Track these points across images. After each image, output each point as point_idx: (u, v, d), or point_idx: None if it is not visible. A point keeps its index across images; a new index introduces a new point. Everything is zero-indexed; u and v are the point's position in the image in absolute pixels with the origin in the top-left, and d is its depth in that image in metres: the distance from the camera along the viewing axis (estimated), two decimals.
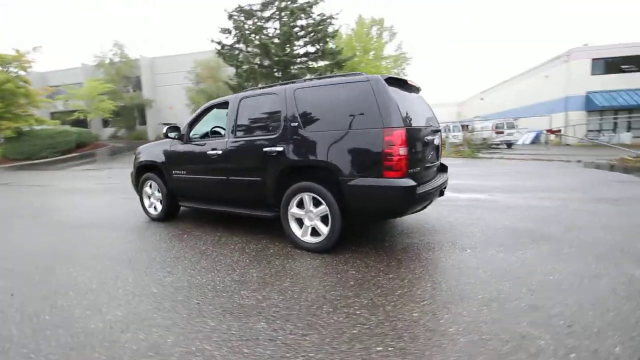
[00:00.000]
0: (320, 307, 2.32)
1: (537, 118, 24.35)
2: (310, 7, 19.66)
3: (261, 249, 3.52)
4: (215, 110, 4.47)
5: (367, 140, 3.00)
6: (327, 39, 20.62)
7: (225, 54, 20.60)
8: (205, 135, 4.71)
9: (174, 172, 4.50)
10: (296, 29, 20.14)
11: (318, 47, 20.85)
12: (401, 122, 2.92)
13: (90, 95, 25.34)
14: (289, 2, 19.17)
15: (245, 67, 20.55)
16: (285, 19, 20.63)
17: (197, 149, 4.29)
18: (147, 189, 4.95)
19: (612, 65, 23.04)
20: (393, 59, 28.48)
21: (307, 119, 3.36)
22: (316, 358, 1.81)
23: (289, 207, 3.49)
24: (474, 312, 2.19)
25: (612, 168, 9.27)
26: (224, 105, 4.37)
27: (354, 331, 2.03)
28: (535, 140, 21.68)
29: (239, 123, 3.90)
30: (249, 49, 20.30)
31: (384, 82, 3.08)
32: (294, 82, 3.72)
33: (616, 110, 22.52)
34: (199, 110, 4.45)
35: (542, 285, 2.53)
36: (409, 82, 3.57)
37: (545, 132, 21.13)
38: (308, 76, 22.13)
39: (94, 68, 29.47)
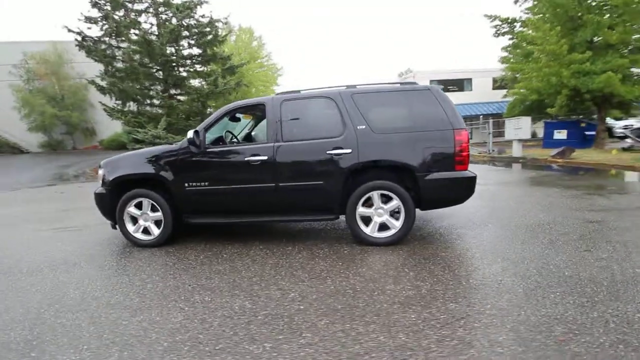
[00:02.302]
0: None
1: None
2: (195, 6, 18.47)
3: (337, 252, 3.50)
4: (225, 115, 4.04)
5: (440, 140, 3.48)
6: (216, 43, 19.77)
7: (89, 47, 17.16)
8: (216, 142, 4.19)
9: (187, 184, 3.82)
10: (181, 29, 18.56)
11: (207, 50, 19.80)
12: (464, 124, 3.54)
13: None
14: None
15: (119, 65, 17.70)
16: (164, 15, 18.77)
17: (226, 156, 3.80)
18: (132, 210, 3.97)
19: (443, 85, 30.32)
20: (270, 68, 29.43)
21: (375, 122, 3.58)
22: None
23: (357, 207, 3.61)
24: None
25: None
26: (251, 109, 4.06)
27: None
28: None
29: (284, 127, 3.72)
30: (124, 45, 17.50)
31: (441, 89, 3.64)
32: (338, 87, 3.82)
33: None
34: (217, 114, 3.93)
35: None
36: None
37: None
38: (197, 80, 20.65)
39: None
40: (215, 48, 20.52)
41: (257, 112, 4.65)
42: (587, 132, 15.10)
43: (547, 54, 12.29)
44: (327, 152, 3.57)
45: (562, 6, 12.31)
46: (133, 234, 4.01)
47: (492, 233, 3.90)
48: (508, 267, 2.92)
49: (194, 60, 20.65)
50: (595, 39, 12.63)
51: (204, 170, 3.82)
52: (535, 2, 13.78)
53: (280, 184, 3.66)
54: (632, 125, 16.73)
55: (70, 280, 3.12)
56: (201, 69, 21.20)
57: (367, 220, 3.66)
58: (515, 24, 14.47)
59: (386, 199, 3.60)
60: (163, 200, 3.88)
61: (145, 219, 3.98)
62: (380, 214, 3.62)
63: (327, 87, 3.86)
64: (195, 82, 20.79)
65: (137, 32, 17.82)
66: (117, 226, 4.07)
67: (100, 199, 4.08)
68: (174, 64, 19.73)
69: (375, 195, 3.59)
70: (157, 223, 3.98)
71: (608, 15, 11.85)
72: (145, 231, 4.01)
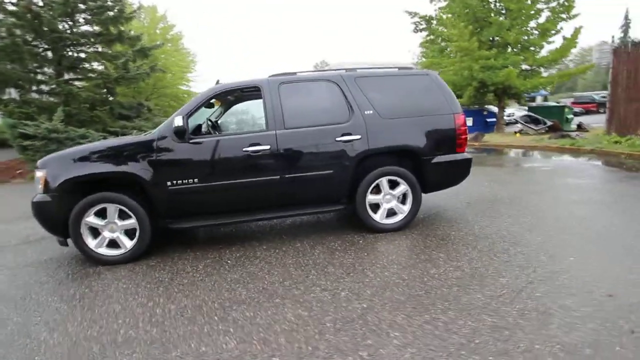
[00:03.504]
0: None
1: None
2: None
3: (353, 243, 3.33)
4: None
5: (443, 124, 3.56)
6: (121, 21, 17.21)
7: None
8: (197, 131, 3.59)
9: (171, 182, 3.18)
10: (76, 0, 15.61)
11: (111, 29, 17.11)
12: (461, 108, 3.68)
13: None
14: None
15: None
16: None
17: (218, 147, 3.26)
18: (91, 220, 3.16)
19: None
20: (185, 54, 26.87)
21: (381, 107, 3.47)
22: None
23: (367, 195, 3.50)
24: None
25: None
26: (241, 91, 3.57)
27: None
28: None
29: (286, 112, 3.35)
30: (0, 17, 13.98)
31: (438, 75, 3.72)
32: (337, 71, 3.61)
33: None
34: (202, 97, 3.33)
35: None
36: None
37: None
38: (100, 64, 17.80)
39: None
40: (120, 26, 17.82)
41: (248, 95, 4.11)
42: (487, 119, 17.58)
43: (461, 49, 13.82)
44: (336, 139, 3.35)
45: (471, 7, 13.93)
46: (95, 250, 3.19)
47: (470, 210, 4.19)
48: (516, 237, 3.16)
49: (94, 40, 17.63)
50: (496, 38, 14.65)
51: (192, 165, 3.22)
52: (447, 2, 15.29)
53: (286, 176, 3.31)
54: (513, 113, 20.13)
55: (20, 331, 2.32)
56: (105, 50, 18.24)
57: (374, 207, 3.58)
58: (432, 21, 15.86)
59: (392, 185, 3.56)
60: (137, 204, 3.16)
61: (112, 229, 3.20)
62: (388, 200, 3.57)
63: (323, 70, 3.60)
64: (100, 66, 17.82)
65: (16, 0, 14.34)
66: (69, 242, 3.20)
67: (41, 209, 3.13)
68: (68, 43, 16.60)
69: (384, 181, 3.51)
70: (129, 233, 3.25)
71: (508, 18, 13.83)
72: (113, 244, 3.23)
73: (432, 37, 16.42)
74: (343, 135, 3.36)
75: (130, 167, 3.12)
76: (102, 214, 3.19)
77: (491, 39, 14.60)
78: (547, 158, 8.53)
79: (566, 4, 13.77)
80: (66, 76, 16.38)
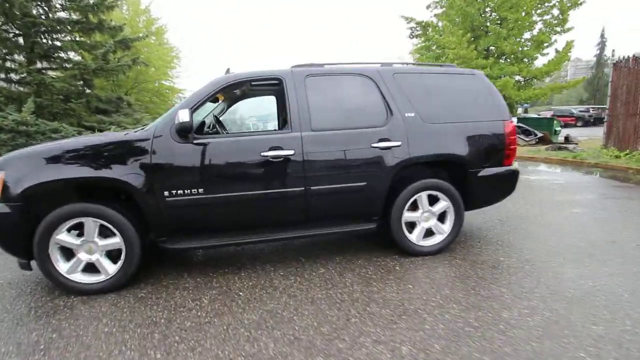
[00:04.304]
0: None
1: None
2: None
3: (388, 269, 2.77)
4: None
5: (492, 132, 3.07)
6: (102, 9, 16.14)
7: None
8: (199, 129, 2.96)
9: (169, 192, 2.53)
10: None
11: (90, 17, 16.02)
12: (509, 114, 3.22)
13: None
14: None
15: None
16: None
17: (229, 150, 2.64)
18: (63, 238, 2.46)
19: None
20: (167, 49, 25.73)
21: (423, 109, 2.95)
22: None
23: (404, 211, 2.96)
24: None
25: None
26: (259, 84, 2.98)
27: None
28: None
29: (313, 111, 2.78)
30: None
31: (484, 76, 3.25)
32: (372, 65, 3.08)
33: None
34: (210, 88, 2.70)
35: None
36: None
37: None
38: (76, 54, 16.61)
39: None
40: (101, 14, 16.70)
41: (264, 89, 3.51)
42: None
43: (459, 57, 13.66)
44: (372, 145, 2.80)
45: (469, 15, 13.84)
46: (68, 276, 2.50)
47: (505, 228, 3.74)
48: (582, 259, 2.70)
49: (71, 28, 16.42)
50: (491, 48, 14.63)
51: (197, 172, 2.58)
52: (445, 10, 15.18)
53: (312, 188, 2.73)
54: None
55: None
56: (83, 40, 17.04)
57: (408, 226, 3.05)
58: (428, 28, 15.70)
59: (431, 201, 3.06)
60: (123, 218, 2.50)
61: (90, 250, 2.52)
62: (426, 219, 3.05)
63: (356, 63, 3.06)
64: (77, 56, 16.63)
65: None
66: (33, 265, 2.50)
67: None
68: (42, 29, 15.40)
69: (424, 196, 3.00)
70: (112, 255, 2.57)
71: (504, 28, 13.82)
72: (91, 269, 2.55)
73: (427, 43, 16.26)
74: (380, 140, 2.82)
75: (116, 171, 2.45)
76: (77, 230, 2.51)
77: (486, 48, 14.56)
78: (553, 171, 8.30)
79: (560, 17, 13.89)
80: (39, 65, 15.14)
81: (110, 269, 2.55)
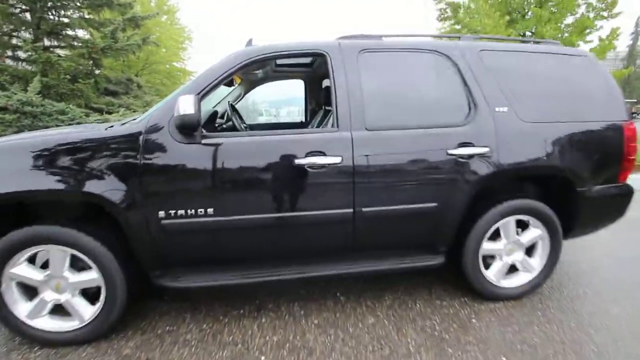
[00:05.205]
0: None
1: None
2: None
3: (461, 324, 2.02)
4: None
5: (609, 137, 2.23)
6: None
7: None
8: (209, 122, 2.20)
9: (165, 212, 1.79)
10: None
11: None
12: (629, 113, 2.37)
13: None
14: None
15: None
16: None
17: (250, 154, 1.87)
18: (21, 272, 1.78)
19: None
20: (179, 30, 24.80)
21: (519, 102, 2.12)
22: None
23: (483, 242, 2.18)
24: None
25: None
26: (291, 62, 2.22)
27: None
28: None
29: (368, 101, 1.98)
30: None
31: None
32: (457, 38, 2.28)
33: None
34: (226, 66, 1.91)
35: None
36: None
37: None
38: (85, 31, 15.97)
39: None
40: None
41: (295, 70, 2.73)
42: None
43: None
44: (449, 151, 2.00)
45: None
46: (29, 322, 1.82)
47: (623, 266, 2.91)
48: None
49: (80, 4, 15.67)
50: (528, 33, 13.33)
51: (205, 184, 1.83)
52: None
53: (364, 210, 1.95)
54: None
55: None
56: (91, 17, 16.29)
57: (485, 259, 2.28)
58: (459, 9, 14.42)
59: (519, 227, 2.27)
60: (101, 246, 1.78)
61: (59, 287, 1.83)
62: (510, 251, 2.27)
63: (423, 35, 2.23)
64: (86, 34, 15.94)
65: None
66: None
67: None
68: (49, 5, 14.70)
69: (511, 222, 2.20)
70: (89, 294, 1.88)
71: (545, 10, 12.51)
72: (59, 311, 1.86)
73: (456, 27, 14.99)
74: (460, 145, 2.01)
75: (91, 183, 1.72)
76: (40, 261, 1.81)
77: (522, 34, 13.27)
78: None
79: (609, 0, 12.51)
80: (46, 42, 14.54)
81: (87, 312, 1.86)
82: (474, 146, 2.02)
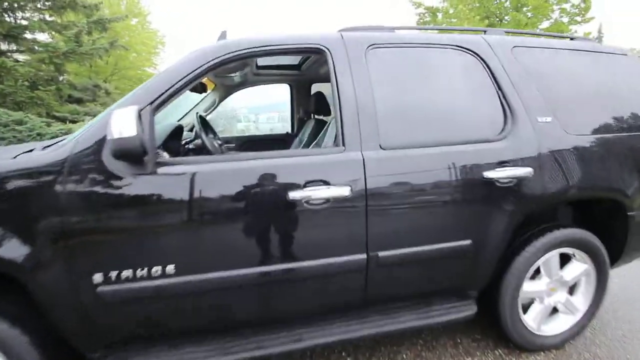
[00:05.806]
0: None
1: None
2: None
3: None
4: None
5: None
6: None
7: None
8: (172, 142, 1.67)
9: (103, 273, 1.25)
10: None
11: None
12: None
13: None
14: None
15: None
16: None
17: (228, 184, 1.35)
18: None
19: None
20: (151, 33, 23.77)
21: (563, 109, 1.72)
22: None
23: (523, 281, 1.75)
24: None
25: None
26: (280, 61, 1.76)
27: None
28: None
29: (382, 112, 1.51)
30: None
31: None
32: (478, 30, 1.86)
33: None
34: (190, 66, 1.40)
35: None
36: None
37: None
38: (45, 35, 14.88)
39: None
40: None
41: (283, 73, 2.21)
42: None
43: None
44: (484, 174, 1.56)
45: (486, 1, 12.61)
46: None
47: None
48: None
49: (40, 5, 14.60)
50: None
51: (160, 232, 1.30)
52: None
53: (381, 254, 1.48)
54: None
55: None
56: (53, 19, 15.24)
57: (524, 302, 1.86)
58: (438, 14, 14.40)
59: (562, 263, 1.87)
60: (7, 327, 1.21)
61: None
62: (550, 292, 1.85)
63: (445, 29, 1.78)
64: (44, 37, 14.81)
65: None
66: None
67: None
68: (5, 6, 13.64)
69: (555, 256, 1.79)
70: None
71: (522, 15, 12.65)
72: None
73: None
74: (499, 166, 1.57)
75: None
76: None
77: None
78: None
79: (582, 5, 12.79)
80: (2, 47, 13.39)
81: None
82: (514, 166, 1.60)
